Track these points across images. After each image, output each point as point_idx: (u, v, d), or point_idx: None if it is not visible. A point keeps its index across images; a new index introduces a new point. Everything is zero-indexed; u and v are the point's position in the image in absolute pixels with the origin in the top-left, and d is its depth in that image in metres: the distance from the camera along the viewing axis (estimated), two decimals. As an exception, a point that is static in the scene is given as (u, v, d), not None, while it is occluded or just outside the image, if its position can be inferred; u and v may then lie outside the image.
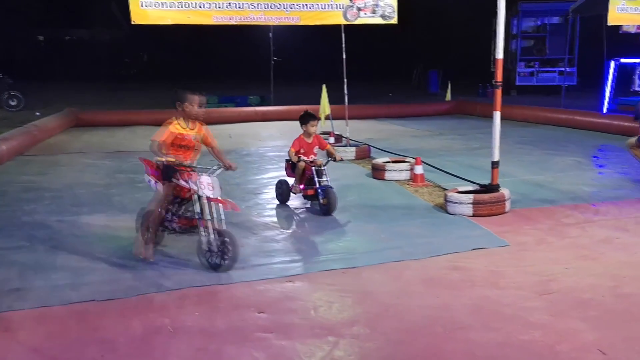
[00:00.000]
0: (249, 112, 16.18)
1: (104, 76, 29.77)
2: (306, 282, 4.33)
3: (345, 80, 9.51)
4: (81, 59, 31.43)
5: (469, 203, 5.94)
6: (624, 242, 5.11)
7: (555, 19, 23.25)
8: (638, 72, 15.28)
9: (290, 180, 6.60)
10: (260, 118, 15.96)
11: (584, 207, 6.29)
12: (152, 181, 4.80)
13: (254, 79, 22.39)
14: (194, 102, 4.73)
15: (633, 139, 7.89)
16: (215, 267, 4.47)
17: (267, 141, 12.18)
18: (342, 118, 9.99)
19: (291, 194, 6.55)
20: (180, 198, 4.83)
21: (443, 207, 6.19)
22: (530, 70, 23.15)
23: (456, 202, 6.01)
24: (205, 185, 4.46)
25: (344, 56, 9.29)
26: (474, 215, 5.89)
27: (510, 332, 3.47)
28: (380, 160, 8.25)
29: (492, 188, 6.19)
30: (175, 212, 4.84)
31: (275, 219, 6.01)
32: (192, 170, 4.54)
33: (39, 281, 4.30)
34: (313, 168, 6.31)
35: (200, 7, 8.47)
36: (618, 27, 14.30)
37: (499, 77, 6.09)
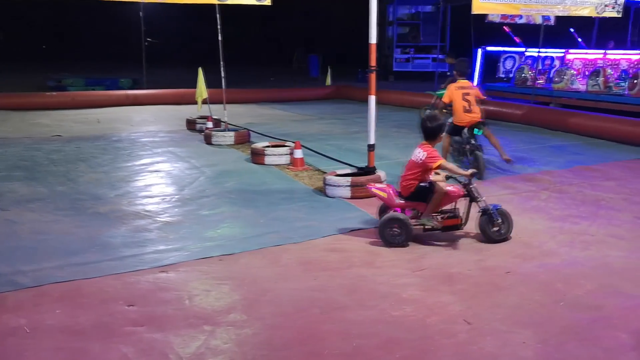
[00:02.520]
0: (120, 96, 15.34)
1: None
2: (181, 271, 4.15)
3: (222, 63, 9.26)
4: None
5: (346, 186, 6.02)
6: (488, 218, 5.42)
7: (428, 8, 24.35)
8: (502, 60, 16.38)
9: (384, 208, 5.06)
10: (132, 102, 15.22)
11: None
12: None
13: (125, 61, 21.26)
14: None
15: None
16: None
17: (139, 126, 11.61)
18: (221, 102, 9.74)
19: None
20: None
21: (322, 191, 6.23)
22: (407, 56, 24.14)
23: (334, 185, 6.07)
24: None
25: (219, 38, 9.03)
26: (352, 198, 5.98)
27: (384, 309, 3.55)
28: (259, 144, 8.15)
29: (369, 170, 6.32)
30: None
31: (147, 207, 5.71)
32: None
33: None
34: (472, 187, 4.84)
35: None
36: (484, 16, 15.19)
37: (373, 61, 6.19)
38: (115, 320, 3.40)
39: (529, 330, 3.28)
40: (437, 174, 4.88)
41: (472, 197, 4.83)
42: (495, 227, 4.72)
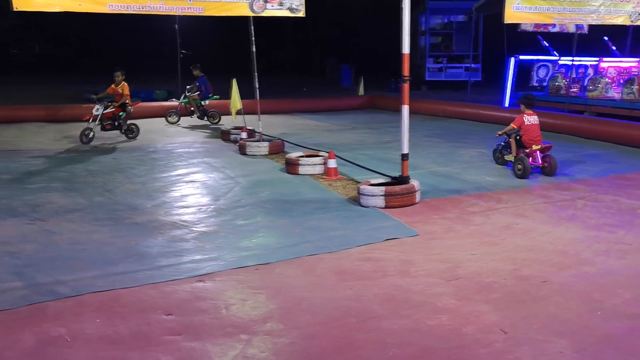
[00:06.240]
0: (156, 107, 15.57)
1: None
2: (217, 280, 4.21)
3: (255, 74, 9.37)
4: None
5: (381, 195, 6.02)
6: (523, 228, 5.36)
7: (461, 17, 24.22)
8: (536, 68, 16.17)
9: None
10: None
11: (487, 196, 6.55)
12: None
13: (159, 72, 21.60)
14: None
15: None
16: None
17: (174, 137, 11.78)
18: (254, 113, 9.85)
19: None
20: None
21: (356, 200, 6.24)
22: (439, 66, 24.01)
23: (369, 195, 6.07)
24: None
25: (253, 49, 9.15)
26: (386, 207, 5.97)
27: (420, 318, 3.53)
28: (293, 154, 8.20)
29: (402, 180, 6.31)
30: None
31: (184, 218, 5.80)
32: None
33: None
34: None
35: (93, -7, 7.78)
36: (517, 25, 15.02)
37: (406, 71, 6.18)
38: (153, 329, 3.46)
39: (566, 340, 3.23)
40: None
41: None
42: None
